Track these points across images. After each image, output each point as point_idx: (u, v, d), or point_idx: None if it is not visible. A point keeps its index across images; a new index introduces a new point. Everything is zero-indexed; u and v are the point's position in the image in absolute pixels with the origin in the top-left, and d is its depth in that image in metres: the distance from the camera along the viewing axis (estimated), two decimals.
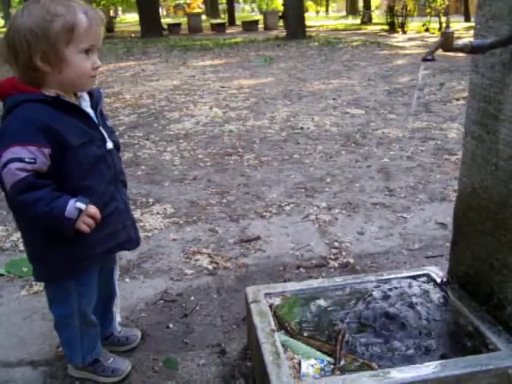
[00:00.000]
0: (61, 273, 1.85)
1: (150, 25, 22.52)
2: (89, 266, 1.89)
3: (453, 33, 1.66)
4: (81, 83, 1.73)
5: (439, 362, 1.74)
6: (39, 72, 1.64)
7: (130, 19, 49.18)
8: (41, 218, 1.66)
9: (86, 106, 1.81)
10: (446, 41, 1.65)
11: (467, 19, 25.38)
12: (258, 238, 3.34)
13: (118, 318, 2.32)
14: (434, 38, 16.53)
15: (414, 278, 2.23)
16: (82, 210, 1.68)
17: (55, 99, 1.67)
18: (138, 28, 23.89)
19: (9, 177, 1.60)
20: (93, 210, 1.73)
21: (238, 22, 30.03)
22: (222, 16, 37.25)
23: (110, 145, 1.84)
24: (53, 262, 1.82)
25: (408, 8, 19.83)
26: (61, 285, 1.91)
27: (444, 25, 18.19)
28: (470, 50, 1.71)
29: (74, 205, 1.67)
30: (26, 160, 1.59)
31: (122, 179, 1.97)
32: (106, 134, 1.84)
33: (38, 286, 2.82)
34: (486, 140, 1.90)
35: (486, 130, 1.89)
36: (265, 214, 3.72)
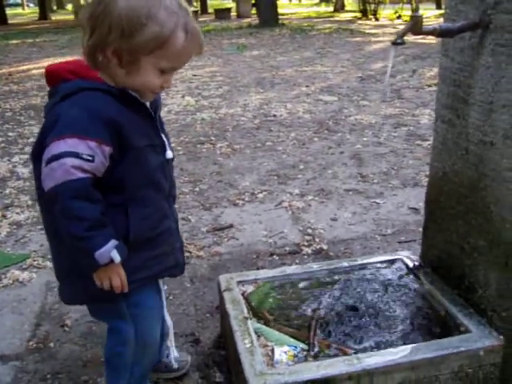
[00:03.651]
0: (100, 295, 1.54)
1: None
2: (133, 289, 1.57)
3: (422, 16, 1.65)
4: (141, 93, 1.49)
5: (412, 345, 1.74)
6: (105, 60, 1.41)
7: None
8: (71, 238, 1.41)
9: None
10: (416, 24, 1.64)
11: (438, 7, 25.54)
12: (231, 226, 3.32)
13: (174, 353, 1.93)
14: None
15: (387, 263, 2.24)
16: (113, 262, 1.44)
17: (122, 92, 1.46)
18: None
19: (60, 173, 1.34)
20: (122, 273, 1.49)
21: (211, 10, 29.82)
22: (195, 4, 36.93)
23: (170, 154, 1.62)
24: (88, 283, 1.51)
25: None
26: (109, 306, 1.64)
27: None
28: (439, 33, 1.71)
29: (110, 250, 1.42)
30: (84, 157, 1.35)
31: (173, 193, 1.72)
32: (166, 142, 1.62)
33: (8, 280, 2.77)
34: (457, 124, 1.90)
35: (456, 114, 1.90)
36: (238, 201, 3.71)
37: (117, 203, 1.47)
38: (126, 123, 1.43)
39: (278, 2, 20.58)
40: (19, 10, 47.17)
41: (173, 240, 1.68)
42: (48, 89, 1.56)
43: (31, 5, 53.07)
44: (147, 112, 1.54)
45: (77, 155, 1.35)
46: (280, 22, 18.95)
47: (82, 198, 1.37)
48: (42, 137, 1.43)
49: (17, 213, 3.63)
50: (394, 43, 1.65)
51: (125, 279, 1.49)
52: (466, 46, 1.80)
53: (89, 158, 1.36)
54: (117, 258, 1.43)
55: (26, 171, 4.47)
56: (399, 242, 3.04)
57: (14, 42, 16.46)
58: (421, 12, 1.70)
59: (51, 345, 2.27)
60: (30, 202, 3.79)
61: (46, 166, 1.37)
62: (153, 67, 1.42)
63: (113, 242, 1.42)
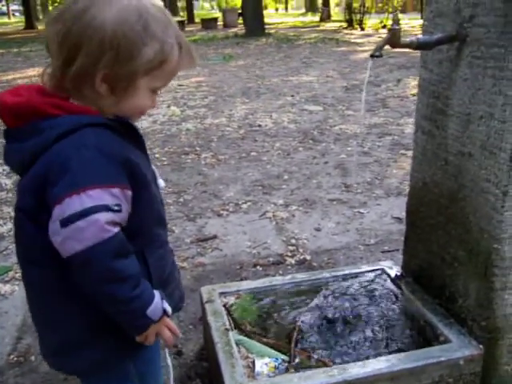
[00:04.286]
0: (117, 357, 1.37)
1: None
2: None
3: (400, 29, 1.66)
4: (128, 118, 1.29)
5: (393, 356, 1.75)
6: (92, 88, 1.18)
7: None
8: (117, 302, 1.19)
9: None
10: (394, 37, 1.65)
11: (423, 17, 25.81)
12: (215, 236, 3.32)
13: None
14: None
15: (369, 273, 2.25)
16: (166, 314, 1.28)
17: (118, 123, 1.23)
18: None
19: (92, 232, 1.11)
20: (170, 322, 1.33)
21: (197, 20, 29.88)
22: (181, 14, 36.98)
23: (162, 183, 1.44)
24: (108, 345, 1.32)
25: (366, 5, 20.09)
26: (115, 372, 1.43)
27: (400, 21, 18.44)
28: (417, 46, 1.73)
29: (160, 302, 1.25)
30: (114, 208, 1.14)
31: None
32: (155, 169, 1.42)
33: None
34: (436, 135, 1.92)
35: (436, 125, 1.91)
36: (222, 212, 3.71)
37: (134, 250, 1.23)
38: (134, 159, 1.22)
39: (264, 12, 20.69)
40: (5, 20, 47.00)
41: (176, 273, 1.49)
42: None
43: (17, 14, 52.90)
44: (141, 140, 1.34)
45: (108, 208, 1.12)
46: (266, 31, 19.05)
47: (122, 255, 1.16)
48: (39, 188, 1.17)
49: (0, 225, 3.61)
50: (372, 56, 1.66)
51: (174, 327, 1.33)
52: (444, 58, 1.83)
53: (117, 208, 1.15)
54: (169, 309, 1.28)
55: (8, 182, 4.44)
56: (382, 252, 3.05)
57: None
58: (401, 23, 1.71)
59: (32, 358, 2.25)
60: (13, 214, 3.75)
61: (64, 227, 1.11)
62: (146, 88, 1.24)
63: (157, 293, 1.26)
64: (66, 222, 1.10)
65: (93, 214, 1.10)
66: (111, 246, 1.13)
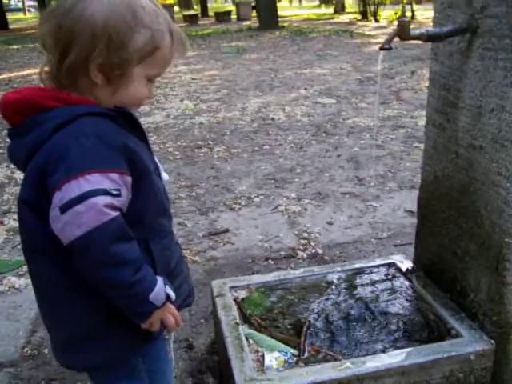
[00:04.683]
0: (125, 351, 1.36)
1: None
2: (152, 339, 1.39)
3: (409, 21, 1.65)
4: (126, 108, 1.31)
5: (403, 350, 1.74)
6: (87, 79, 1.22)
7: None
8: (118, 288, 1.19)
9: None
10: (403, 29, 1.64)
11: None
12: (227, 230, 3.33)
13: None
14: None
15: (381, 267, 2.24)
16: (170, 300, 1.27)
17: (118, 113, 1.25)
18: None
19: (90, 215, 1.10)
20: (173, 309, 1.32)
21: (211, 13, 29.84)
22: (195, 7, 36.95)
23: (166, 176, 1.44)
24: (116, 338, 1.32)
25: None
26: (125, 368, 1.43)
27: (414, 13, 18.27)
28: (427, 38, 1.71)
29: (163, 287, 1.25)
30: (113, 192, 1.14)
31: None
32: (158, 162, 1.41)
33: (4, 286, 2.78)
34: (447, 128, 1.90)
35: (447, 118, 1.90)
36: (234, 206, 3.72)
37: (137, 239, 1.22)
38: (133, 146, 1.24)
39: (278, 5, 20.59)
40: (20, 15, 47.23)
41: (183, 267, 1.48)
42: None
43: (32, 10, 53.16)
44: (142, 131, 1.35)
45: (106, 192, 1.13)
46: (280, 24, 18.95)
47: (122, 239, 1.16)
48: (40, 179, 1.17)
49: (14, 219, 3.63)
50: (382, 48, 1.65)
51: (177, 314, 1.33)
52: (454, 50, 1.81)
53: (116, 192, 1.15)
54: (172, 294, 1.27)
55: None
56: (395, 246, 3.04)
57: (15, 47, 16.48)
58: (415, 15, 1.70)
59: (46, 351, 2.28)
60: None
61: (63, 212, 1.11)
62: (141, 77, 1.26)
63: (160, 279, 1.25)
64: (65, 208, 1.11)
65: (91, 197, 1.11)
66: (110, 230, 1.13)
